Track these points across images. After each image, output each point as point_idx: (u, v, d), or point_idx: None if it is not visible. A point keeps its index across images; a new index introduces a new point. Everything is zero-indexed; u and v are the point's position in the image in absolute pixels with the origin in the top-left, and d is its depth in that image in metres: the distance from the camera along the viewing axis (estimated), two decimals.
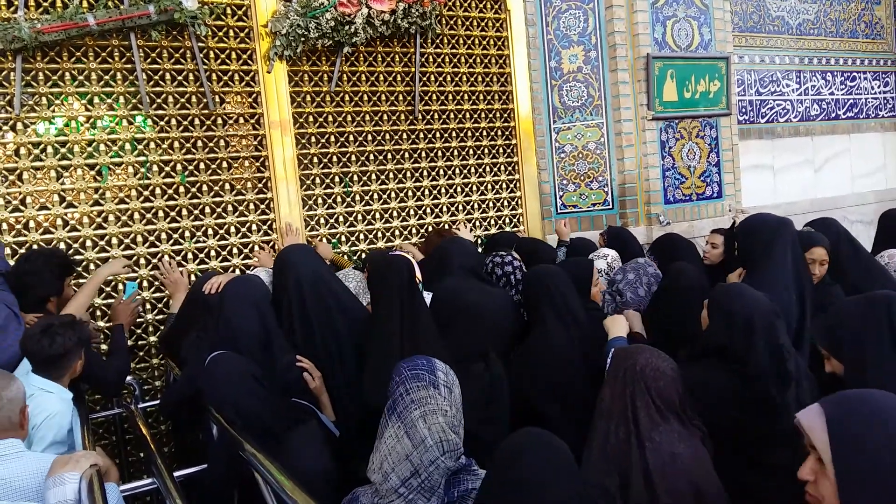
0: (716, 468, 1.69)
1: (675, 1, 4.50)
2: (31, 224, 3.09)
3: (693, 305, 2.35)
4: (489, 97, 4.31)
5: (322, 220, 3.78)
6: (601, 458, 1.67)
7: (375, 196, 3.93)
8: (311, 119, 3.74)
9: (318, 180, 3.77)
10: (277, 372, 2.21)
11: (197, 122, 3.43)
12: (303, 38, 3.52)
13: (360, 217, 3.89)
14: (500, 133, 4.35)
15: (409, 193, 4.04)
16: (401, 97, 4.00)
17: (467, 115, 4.23)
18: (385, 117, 3.94)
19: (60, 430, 2.21)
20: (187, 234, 3.40)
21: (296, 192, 3.66)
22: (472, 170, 4.26)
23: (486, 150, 4.31)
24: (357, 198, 3.88)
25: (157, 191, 3.33)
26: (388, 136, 3.96)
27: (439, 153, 4.14)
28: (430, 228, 4.06)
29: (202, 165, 3.43)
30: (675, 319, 2.59)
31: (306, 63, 3.70)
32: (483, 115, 4.29)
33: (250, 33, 3.56)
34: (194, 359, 2.37)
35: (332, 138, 3.80)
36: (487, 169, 4.32)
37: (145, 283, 3.30)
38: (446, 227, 4.08)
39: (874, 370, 1.81)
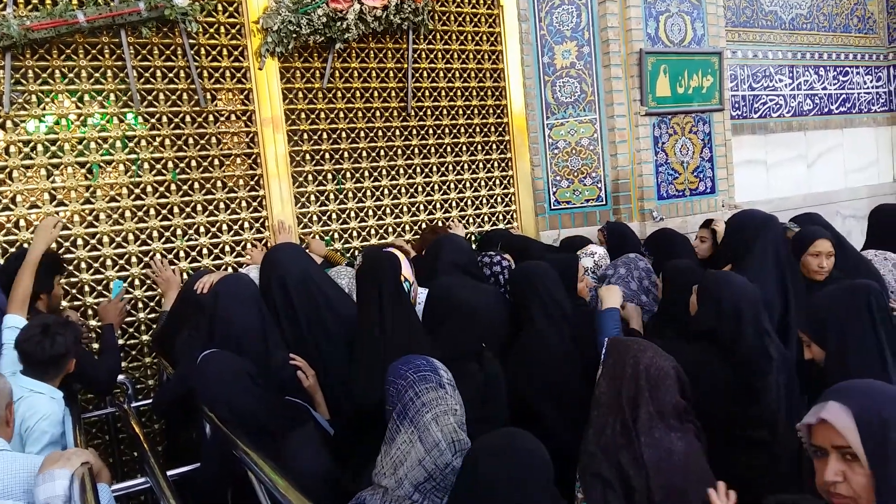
0: (707, 458, 1.71)
1: None
2: (22, 223, 3.07)
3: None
4: (482, 93, 4.30)
5: (315, 218, 3.77)
6: (598, 449, 1.68)
7: (368, 193, 3.92)
8: (303, 116, 3.72)
9: (310, 177, 3.75)
10: (272, 370, 2.20)
11: (188, 119, 3.41)
12: (294, 35, 3.50)
13: (352, 214, 3.88)
14: (493, 129, 4.34)
15: (402, 190, 4.03)
16: (393, 93, 3.98)
17: (460, 112, 4.22)
18: (377, 114, 3.93)
19: (55, 430, 2.20)
20: (179, 231, 3.38)
21: (288, 189, 3.64)
22: (466, 166, 4.25)
23: (480, 147, 4.30)
24: (350, 195, 3.86)
25: (149, 188, 3.31)
26: (380, 133, 3.94)
27: (432, 149, 4.13)
28: (424, 225, 4.06)
29: (193, 163, 3.41)
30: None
31: (298, 59, 3.68)
32: (476, 111, 4.28)
33: (241, 30, 3.54)
34: (187, 357, 2.36)
35: (325, 135, 3.79)
36: (481, 165, 4.31)
37: (136, 282, 3.28)
38: (440, 223, 4.07)
39: (855, 357, 1.88)
